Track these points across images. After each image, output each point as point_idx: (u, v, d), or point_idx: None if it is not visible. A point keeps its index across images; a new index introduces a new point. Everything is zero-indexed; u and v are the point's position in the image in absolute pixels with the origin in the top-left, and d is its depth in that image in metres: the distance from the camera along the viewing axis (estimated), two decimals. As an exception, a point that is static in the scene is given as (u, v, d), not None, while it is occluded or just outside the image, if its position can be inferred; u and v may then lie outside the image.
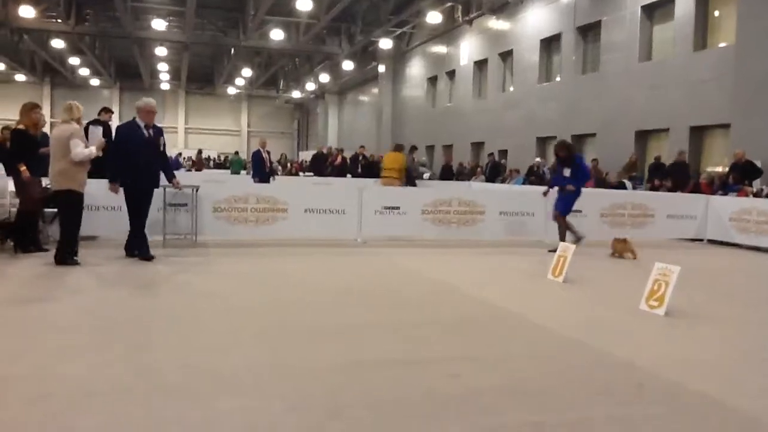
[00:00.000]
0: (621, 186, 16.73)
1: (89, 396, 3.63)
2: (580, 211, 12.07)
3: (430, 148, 32.94)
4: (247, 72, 43.07)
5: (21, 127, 8.89)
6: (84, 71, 45.60)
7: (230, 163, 29.96)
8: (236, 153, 33.93)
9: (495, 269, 8.99)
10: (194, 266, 8.37)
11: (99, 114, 11.42)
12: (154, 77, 47.65)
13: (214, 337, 4.95)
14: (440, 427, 3.33)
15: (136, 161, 8.31)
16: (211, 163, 38.43)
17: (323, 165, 23.48)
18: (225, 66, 42.16)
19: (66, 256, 7.95)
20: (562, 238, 10.25)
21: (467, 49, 30.10)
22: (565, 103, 23.14)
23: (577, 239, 10.37)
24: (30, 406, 3.49)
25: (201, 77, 49.13)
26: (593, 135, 22.15)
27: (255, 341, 4.86)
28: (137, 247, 8.56)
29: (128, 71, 47.05)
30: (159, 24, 31.36)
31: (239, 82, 47.25)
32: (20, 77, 46.58)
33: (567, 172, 10.52)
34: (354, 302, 6.45)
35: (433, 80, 33.96)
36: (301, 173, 28.25)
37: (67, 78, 46.28)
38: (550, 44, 24.70)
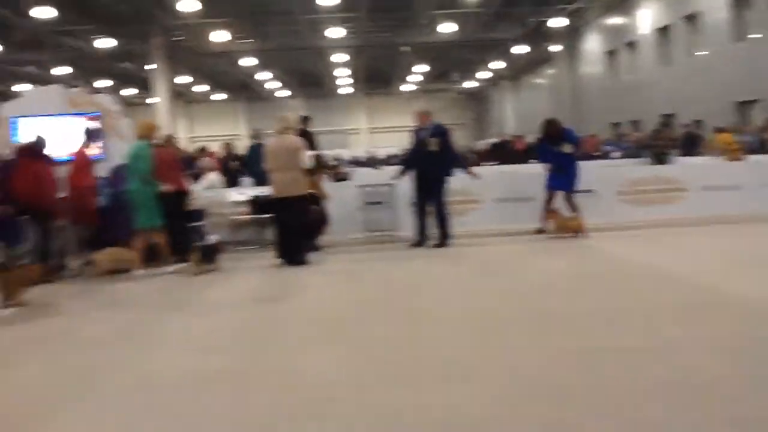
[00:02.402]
0: None
1: (332, 386, 4.00)
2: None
3: (615, 125, 31.49)
4: (420, 68, 43.78)
5: None
6: (271, 84, 48.73)
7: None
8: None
9: (705, 250, 8.41)
10: (396, 261, 8.73)
11: (301, 123, 11.72)
12: (334, 82, 49.84)
13: (437, 328, 5.23)
14: (681, 416, 3.31)
15: (413, 162, 9.79)
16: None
17: (505, 153, 23.29)
18: (399, 64, 43.13)
19: (305, 255, 8.65)
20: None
21: (647, 17, 28.48)
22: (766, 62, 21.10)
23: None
24: (278, 396, 3.90)
25: (377, 78, 50.61)
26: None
27: (478, 331, 5.08)
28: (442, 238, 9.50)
29: (310, 79, 49.62)
30: (334, 32, 32.74)
31: (414, 78, 48.13)
32: (216, 96, 50.88)
33: (568, 149, 9.86)
34: (571, 289, 6.45)
35: (611, 54, 32.50)
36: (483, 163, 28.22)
37: (256, 91, 49.78)
38: (741, -1, 22.67)
